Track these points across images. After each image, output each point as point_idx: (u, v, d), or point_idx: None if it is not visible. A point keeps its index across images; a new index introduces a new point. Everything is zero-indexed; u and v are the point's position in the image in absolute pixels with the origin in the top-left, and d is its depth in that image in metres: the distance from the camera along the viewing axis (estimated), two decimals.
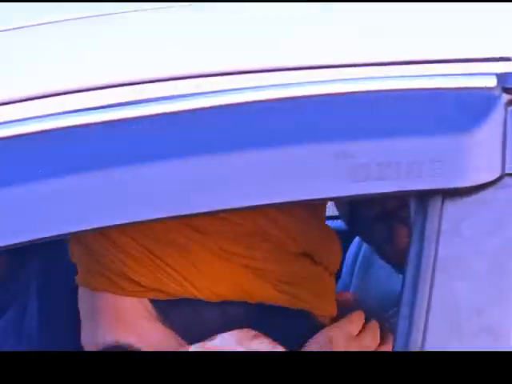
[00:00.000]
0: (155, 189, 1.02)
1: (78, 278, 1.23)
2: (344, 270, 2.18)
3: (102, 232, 1.14)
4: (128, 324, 1.17)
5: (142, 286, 1.15)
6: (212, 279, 1.15)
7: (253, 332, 1.18)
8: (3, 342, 1.67)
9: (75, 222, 1.00)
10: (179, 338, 1.18)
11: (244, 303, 1.16)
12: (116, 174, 1.02)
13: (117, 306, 1.17)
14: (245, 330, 1.17)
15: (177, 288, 1.15)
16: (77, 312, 1.52)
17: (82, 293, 1.22)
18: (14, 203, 1.00)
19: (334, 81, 1.07)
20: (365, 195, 1.06)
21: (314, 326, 1.20)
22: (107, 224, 1.02)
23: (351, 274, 2.14)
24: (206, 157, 1.03)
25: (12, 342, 1.67)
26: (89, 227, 1.02)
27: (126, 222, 1.02)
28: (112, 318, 1.18)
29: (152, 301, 1.16)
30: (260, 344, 1.17)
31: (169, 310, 1.17)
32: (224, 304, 1.16)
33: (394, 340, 1.05)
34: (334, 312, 1.24)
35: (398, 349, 1.04)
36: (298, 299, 1.18)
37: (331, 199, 1.33)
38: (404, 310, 1.04)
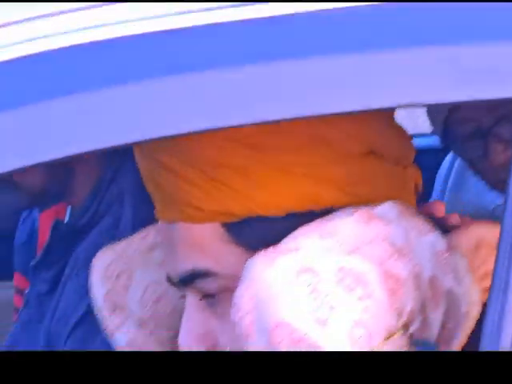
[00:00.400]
0: (225, 96, 1.02)
1: (155, 213, 1.25)
2: (435, 187, 2.19)
3: (164, 166, 1.18)
4: (203, 249, 1.19)
5: (207, 211, 1.17)
6: (276, 194, 1.17)
7: (414, 208, 1.18)
8: (100, 247, 1.65)
9: (154, 128, 1.01)
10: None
11: (311, 213, 1.16)
12: (186, 81, 1.02)
13: (190, 233, 1.19)
14: (406, 204, 1.18)
15: (242, 209, 1.17)
16: None
17: (161, 226, 1.25)
18: (99, 108, 1.01)
19: None
20: (468, 102, 1.06)
21: None
22: (182, 131, 1.03)
23: (443, 192, 2.15)
24: (280, 63, 1.01)
25: None
26: (167, 133, 1.03)
27: (197, 129, 1.03)
28: (188, 245, 1.19)
29: (222, 224, 1.18)
30: (419, 221, 1.17)
31: (239, 230, 1.18)
32: (292, 216, 1.17)
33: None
34: (413, 202, 1.23)
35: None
36: (368, 198, 1.18)
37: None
38: None
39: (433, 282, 1.15)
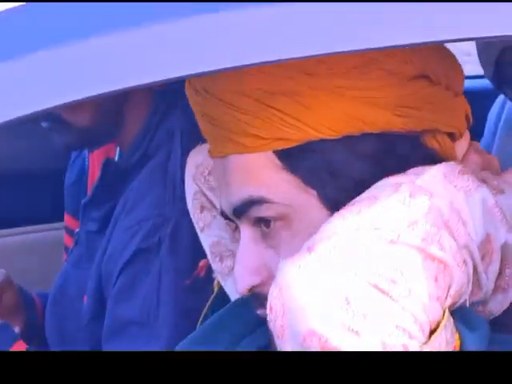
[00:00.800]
0: (274, 30, 1.01)
1: (209, 153, 1.26)
2: (486, 130, 2.20)
3: (219, 99, 1.18)
4: (258, 178, 1.19)
5: (263, 139, 1.18)
6: (329, 117, 1.17)
7: (459, 167, 1.17)
8: (150, 186, 1.71)
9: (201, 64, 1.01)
10: (305, 185, 1.19)
11: (366, 136, 1.17)
12: (235, 16, 1.01)
13: (244, 164, 1.20)
14: (451, 164, 1.16)
15: (296, 133, 1.17)
16: None
17: (215, 164, 1.26)
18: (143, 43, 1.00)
19: None
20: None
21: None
22: (230, 66, 1.02)
23: (494, 134, 2.14)
24: None
25: (159, 186, 1.70)
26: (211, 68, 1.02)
27: (252, 62, 1.02)
28: (242, 175, 1.20)
29: (276, 152, 1.19)
30: (467, 181, 1.15)
31: (293, 157, 1.18)
32: (346, 140, 1.17)
33: None
34: (464, 129, 1.23)
35: None
36: (420, 120, 1.19)
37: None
38: None
39: (486, 241, 1.14)
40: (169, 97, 1.76)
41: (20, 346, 1.73)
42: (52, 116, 1.73)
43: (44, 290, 2.00)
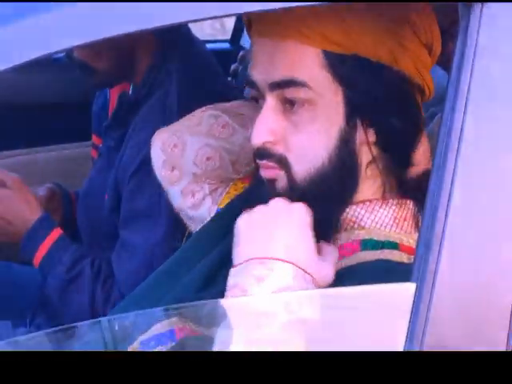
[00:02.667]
0: None
1: (254, 31, 1.23)
2: None
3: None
4: (305, 66, 1.17)
5: (325, 37, 1.16)
6: (376, 42, 1.17)
7: None
8: (154, 114, 1.72)
9: None
10: (337, 84, 1.18)
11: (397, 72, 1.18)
12: None
13: (297, 52, 1.17)
14: None
15: (349, 43, 1.16)
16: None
17: (260, 42, 1.21)
18: None
19: None
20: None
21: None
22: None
23: None
24: None
25: (159, 113, 1.71)
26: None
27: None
28: (291, 60, 1.17)
29: (324, 51, 1.17)
30: None
31: (335, 60, 1.17)
32: (375, 63, 1.17)
33: None
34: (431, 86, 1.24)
35: None
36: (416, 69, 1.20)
37: None
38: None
39: None
40: (168, 43, 1.76)
41: (57, 233, 1.73)
42: (82, 64, 1.78)
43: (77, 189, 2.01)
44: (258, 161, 1.23)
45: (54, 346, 1.11)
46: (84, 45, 1.00)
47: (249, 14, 1.24)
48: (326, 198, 1.20)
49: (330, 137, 1.19)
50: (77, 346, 1.10)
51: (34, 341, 1.16)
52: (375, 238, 1.21)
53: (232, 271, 1.15)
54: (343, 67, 1.17)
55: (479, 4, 1.02)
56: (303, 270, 1.14)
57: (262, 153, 1.21)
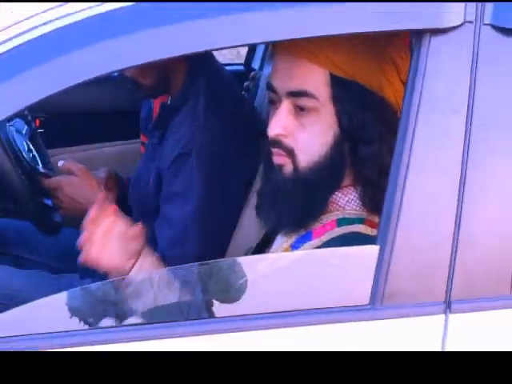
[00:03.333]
0: None
1: (277, 46, 1.20)
2: None
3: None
4: (315, 82, 1.17)
5: (332, 62, 1.15)
6: (371, 74, 1.16)
7: None
8: (185, 120, 1.69)
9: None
10: (334, 100, 1.17)
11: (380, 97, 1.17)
12: None
13: (310, 69, 1.17)
14: None
15: (351, 70, 1.16)
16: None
17: (281, 56, 1.20)
18: None
19: None
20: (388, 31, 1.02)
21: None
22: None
23: None
24: None
25: (189, 120, 1.68)
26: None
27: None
28: (305, 76, 1.16)
29: (331, 75, 1.16)
30: None
31: (336, 82, 1.16)
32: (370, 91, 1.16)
33: None
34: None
35: None
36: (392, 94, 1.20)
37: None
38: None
39: None
40: (197, 65, 1.74)
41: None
42: (133, 81, 1.77)
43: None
44: (271, 148, 1.23)
45: (112, 293, 1.13)
46: (135, 66, 1.06)
47: None
48: (320, 183, 1.21)
49: (327, 138, 1.20)
50: (129, 293, 1.12)
51: (96, 288, 1.18)
52: (347, 217, 1.22)
53: None
54: (343, 88, 1.18)
55: (427, 36, 1.02)
56: None
57: (275, 142, 1.22)
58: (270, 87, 1.23)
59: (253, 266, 1.11)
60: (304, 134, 1.19)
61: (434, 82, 1.02)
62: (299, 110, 1.19)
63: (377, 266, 1.02)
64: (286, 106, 1.19)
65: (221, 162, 1.65)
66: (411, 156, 1.03)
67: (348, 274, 1.06)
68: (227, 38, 1.00)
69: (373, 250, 1.03)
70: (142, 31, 0.99)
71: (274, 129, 1.19)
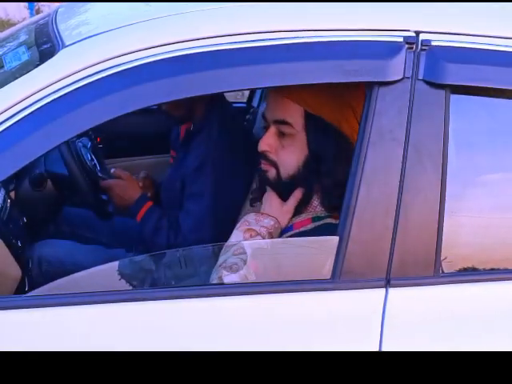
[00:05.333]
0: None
1: (275, 90, 1.17)
2: None
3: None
4: (293, 114, 1.14)
5: (305, 101, 1.12)
6: (333, 113, 1.13)
7: None
8: (202, 142, 1.62)
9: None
10: (306, 130, 1.17)
11: (336, 131, 1.13)
12: None
13: (289, 104, 1.14)
14: None
15: (318, 108, 1.12)
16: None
17: (271, 97, 1.20)
18: None
19: None
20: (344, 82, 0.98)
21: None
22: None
23: None
24: None
25: (204, 142, 1.62)
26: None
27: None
28: (286, 108, 1.13)
29: (304, 110, 1.13)
30: None
31: (309, 117, 1.13)
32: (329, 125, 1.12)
33: None
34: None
35: None
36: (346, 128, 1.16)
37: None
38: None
39: None
40: (213, 101, 1.69)
41: (150, 203, 1.69)
42: (166, 112, 1.73)
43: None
44: (260, 160, 1.22)
45: (148, 263, 1.10)
46: (167, 101, 1.00)
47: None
48: (295, 186, 1.20)
49: (300, 157, 1.19)
50: (162, 264, 1.09)
51: (138, 260, 1.17)
52: (319, 215, 1.22)
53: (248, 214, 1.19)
54: (313, 121, 1.16)
55: (377, 86, 0.99)
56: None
57: (262, 155, 1.21)
58: (263, 116, 1.23)
59: (246, 247, 1.10)
60: (284, 152, 1.19)
61: (381, 120, 1.02)
62: (281, 135, 1.18)
63: (337, 251, 1.02)
64: (271, 130, 1.20)
65: (228, 171, 1.63)
66: (363, 172, 1.03)
67: (316, 256, 1.05)
68: (239, 83, 0.99)
69: (334, 239, 1.02)
70: (185, 74, 0.96)
71: (262, 145, 1.20)
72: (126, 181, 1.77)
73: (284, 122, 1.17)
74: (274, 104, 1.19)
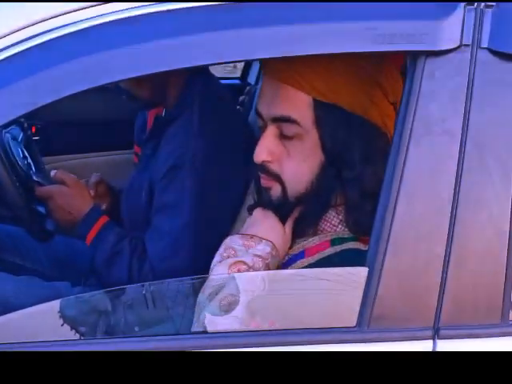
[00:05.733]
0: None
1: (264, 68, 1.20)
2: None
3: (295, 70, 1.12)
4: (298, 109, 1.15)
5: (314, 88, 1.13)
6: (353, 97, 1.14)
7: None
8: (178, 132, 1.66)
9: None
10: (318, 126, 1.15)
11: (363, 119, 1.14)
12: None
13: (294, 95, 1.14)
14: None
15: (332, 95, 1.14)
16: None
17: (266, 81, 1.20)
18: None
19: None
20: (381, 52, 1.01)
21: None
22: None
23: None
24: None
25: (182, 133, 1.66)
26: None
27: None
28: (289, 102, 1.15)
29: (314, 100, 1.14)
30: None
31: (320, 107, 1.14)
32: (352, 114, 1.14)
33: None
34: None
35: None
36: (382, 120, 1.18)
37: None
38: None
39: None
40: (192, 79, 1.72)
41: (104, 219, 1.71)
42: (128, 92, 1.74)
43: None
44: (259, 173, 1.22)
45: (102, 303, 1.11)
46: (130, 78, 1.00)
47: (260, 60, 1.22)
48: (308, 210, 1.20)
49: (313, 164, 1.18)
50: (121, 304, 1.11)
51: (86, 298, 1.17)
52: (341, 236, 1.21)
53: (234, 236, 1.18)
54: (326, 113, 1.15)
55: (423, 56, 1.00)
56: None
57: (262, 168, 1.21)
58: (257, 112, 1.21)
59: (244, 283, 1.10)
60: (290, 163, 1.18)
61: (429, 105, 1.01)
62: (285, 137, 1.17)
63: (365, 288, 1.01)
64: (271, 132, 1.18)
65: (213, 175, 1.63)
66: (402, 178, 1.02)
67: (336, 294, 1.06)
68: (228, 53, 0.99)
69: (361, 271, 1.02)
70: (139, 43, 0.98)
71: (260, 155, 1.19)
72: (71, 187, 1.78)
73: (287, 120, 1.16)
74: (269, 95, 1.18)
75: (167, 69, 0.98)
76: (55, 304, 1.05)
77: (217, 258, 1.17)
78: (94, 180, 1.89)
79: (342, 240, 1.20)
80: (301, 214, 1.18)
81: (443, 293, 1.00)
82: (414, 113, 1.01)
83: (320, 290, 1.06)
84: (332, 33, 0.98)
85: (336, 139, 1.15)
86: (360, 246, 1.18)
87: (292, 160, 1.18)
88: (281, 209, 1.19)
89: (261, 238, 1.18)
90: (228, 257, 1.15)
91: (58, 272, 1.92)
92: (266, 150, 1.17)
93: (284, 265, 1.21)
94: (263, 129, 1.21)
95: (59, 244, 1.98)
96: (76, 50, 0.98)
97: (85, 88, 0.96)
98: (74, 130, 2.31)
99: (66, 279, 1.84)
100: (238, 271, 1.12)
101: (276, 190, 1.20)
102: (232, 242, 1.17)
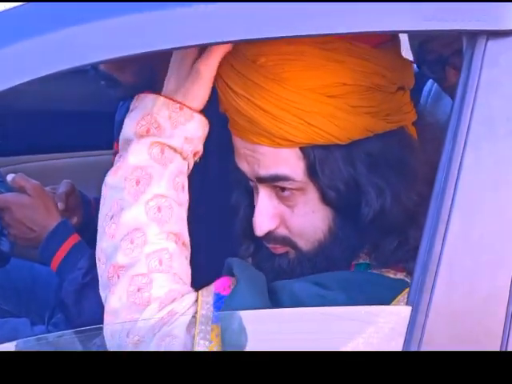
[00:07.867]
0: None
1: (231, 128, 1.26)
2: (421, 101, 2.20)
3: (259, 107, 1.19)
4: (284, 163, 1.22)
5: (295, 143, 1.21)
6: (347, 129, 1.20)
7: None
8: None
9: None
10: (312, 175, 1.22)
11: (367, 139, 1.21)
12: None
13: (274, 152, 1.21)
14: None
15: (323, 140, 1.20)
16: None
17: (236, 141, 1.26)
18: None
19: None
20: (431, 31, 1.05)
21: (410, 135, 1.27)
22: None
23: (426, 103, 2.20)
24: None
25: None
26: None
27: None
28: (271, 159, 1.22)
29: (301, 148, 1.21)
30: None
31: (311, 153, 1.21)
32: (353, 143, 1.21)
33: None
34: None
35: None
36: (398, 121, 1.24)
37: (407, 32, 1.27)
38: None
39: None
40: None
41: (74, 239, 1.74)
42: (107, 76, 1.76)
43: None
44: (266, 243, 1.28)
45: (70, 346, 1.13)
46: (110, 59, 1.03)
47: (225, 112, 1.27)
48: (331, 260, 1.25)
49: (322, 213, 1.24)
50: (93, 347, 1.14)
51: (51, 340, 1.20)
52: (361, 261, 1.27)
53: None
54: (319, 155, 1.22)
55: (484, 38, 1.02)
56: None
57: (268, 239, 1.27)
58: (239, 168, 1.28)
59: (263, 321, 1.15)
60: (296, 219, 1.25)
61: (491, 98, 1.02)
62: (280, 190, 1.24)
63: (408, 329, 1.03)
64: (265, 194, 1.25)
65: (206, 182, 1.64)
66: (456, 193, 1.03)
67: (373, 337, 1.07)
68: (223, 33, 1.03)
69: (403, 310, 1.03)
70: (120, 16, 1.01)
71: (262, 227, 1.26)
72: (33, 196, 1.79)
73: (277, 178, 1.23)
74: (245, 153, 1.25)
75: (158, 49, 1.04)
76: (9, 347, 1.07)
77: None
78: (63, 189, 1.90)
79: (363, 266, 1.26)
80: (324, 267, 1.24)
81: (509, 336, 1.02)
82: (472, 110, 1.03)
83: (351, 331, 1.08)
84: (379, 9, 1.01)
85: (337, 183, 1.22)
86: (389, 272, 1.22)
87: (298, 215, 1.25)
88: (301, 269, 1.25)
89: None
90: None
91: (15, 306, 1.94)
92: (266, 218, 1.25)
93: None
94: (255, 189, 1.28)
95: (16, 269, 1.99)
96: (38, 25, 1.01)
97: (51, 72, 0.99)
98: (36, 126, 2.34)
99: (25, 315, 1.87)
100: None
101: (291, 253, 1.27)
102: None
